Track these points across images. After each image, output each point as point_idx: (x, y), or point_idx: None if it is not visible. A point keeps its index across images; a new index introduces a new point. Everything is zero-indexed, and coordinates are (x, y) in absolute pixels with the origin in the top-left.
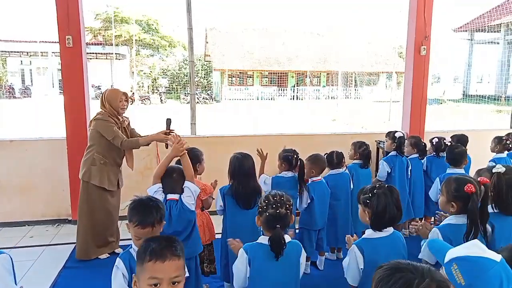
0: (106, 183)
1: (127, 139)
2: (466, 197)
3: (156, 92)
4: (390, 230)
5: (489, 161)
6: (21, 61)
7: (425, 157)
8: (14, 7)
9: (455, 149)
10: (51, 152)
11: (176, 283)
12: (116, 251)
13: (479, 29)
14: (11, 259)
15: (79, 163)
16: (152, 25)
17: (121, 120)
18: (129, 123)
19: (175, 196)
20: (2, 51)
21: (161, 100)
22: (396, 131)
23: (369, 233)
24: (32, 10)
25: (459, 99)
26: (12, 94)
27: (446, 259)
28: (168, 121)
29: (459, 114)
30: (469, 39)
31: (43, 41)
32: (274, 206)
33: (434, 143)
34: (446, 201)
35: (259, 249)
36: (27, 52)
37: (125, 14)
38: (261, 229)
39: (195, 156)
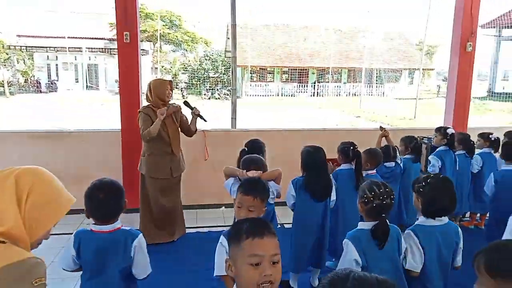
0: (153, 172)
1: (143, 131)
2: None
3: (177, 88)
4: (444, 219)
5: None
6: (48, 56)
7: (478, 154)
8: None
9: (511, 145)
10: (106, 144)
11: (276, 263)
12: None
13: (507, 26)
14: None
15: (132, 154)
16: (175, 20)
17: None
18: (178, 110)
19: None
20: (29, 47)
21: (183, 96)
22: (448, 127)
23: (421, 220)
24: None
25: (484, 97)
26: (39, 88)
27: None
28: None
29: (486, 112)
30: (496, 36)
31: (71, 37)
32: (381, 197)
33: (493, 139)
34: None
35: (361, 234)
36: (54, 48)
37: (150, 10)
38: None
39: (259, 148)
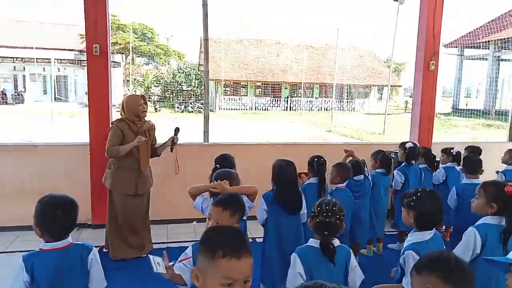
0: (118, 187)
1: (110, 147)
2: (506, 198)
3: (150, 101)
4: (433, 230)
5: (500, 172)
6: (14, 67)
7: (443, 167)
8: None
9: (472, 159)
10: (74, 157)
11: (247, 281)
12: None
13: (468, 45)
14: None
15: (101, 169)
16: (147, 33)
17: (139, 124)
18: (153, 128)
19: None
20: None
21: (156, 109)
22: (407, 142)
23: (415, 237)
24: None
25: (449, 113)
26: (4, 100)
27: None
28: (177, 130)
29: (451, 128)
30: (459, 55)
31: (39, 48)
32: (325, 214)
33: (454, 153)
34: (485, 203)
35: (309, 251)
36: (21, 58)
37: (122, 22)
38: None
39: (229, 162)
